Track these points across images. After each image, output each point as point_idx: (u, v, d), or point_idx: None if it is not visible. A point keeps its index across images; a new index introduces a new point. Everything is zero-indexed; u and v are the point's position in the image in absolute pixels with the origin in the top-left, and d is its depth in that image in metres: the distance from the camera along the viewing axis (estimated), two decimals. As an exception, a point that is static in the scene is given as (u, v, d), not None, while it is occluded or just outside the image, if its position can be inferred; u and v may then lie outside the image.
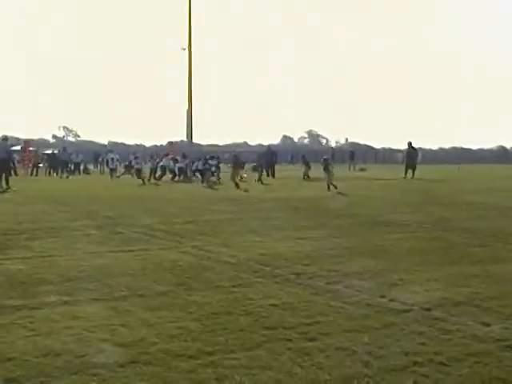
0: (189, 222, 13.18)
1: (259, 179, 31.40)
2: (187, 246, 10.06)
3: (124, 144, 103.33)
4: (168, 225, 12.72)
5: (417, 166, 36.01)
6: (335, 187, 23.49)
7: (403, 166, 36.27)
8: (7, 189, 23.95)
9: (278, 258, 8.87)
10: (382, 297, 6.59)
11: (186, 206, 17.46)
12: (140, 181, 30.36)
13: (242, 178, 30.74)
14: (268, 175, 36.48)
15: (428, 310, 6.08)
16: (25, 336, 5.19)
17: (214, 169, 33.82)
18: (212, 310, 6.04)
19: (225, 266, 8.37)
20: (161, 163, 35.53)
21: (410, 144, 36.79)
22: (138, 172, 32.21)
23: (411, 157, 36.17)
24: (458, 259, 9.00)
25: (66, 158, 43.02)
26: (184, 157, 36.12)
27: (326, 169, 25.25)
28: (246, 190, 24.11)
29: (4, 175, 24.86)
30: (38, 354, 4.75)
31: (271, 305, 6.24)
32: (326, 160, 26.33)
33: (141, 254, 9.23)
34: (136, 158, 34.31)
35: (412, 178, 33.94)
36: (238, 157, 32.30)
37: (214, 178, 32.69)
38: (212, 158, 35.05)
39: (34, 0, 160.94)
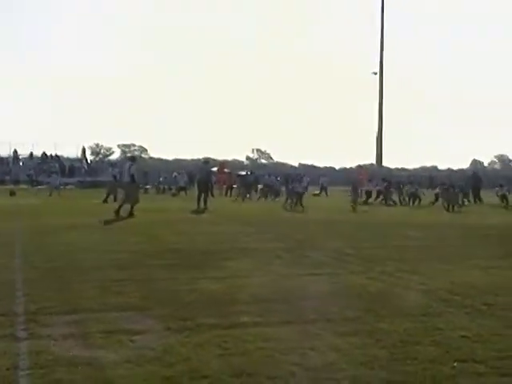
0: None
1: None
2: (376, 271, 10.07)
3: (314, 166, 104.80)
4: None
5: None
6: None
7: None
8: (205, 209, 25.09)
9: (469, 288, 8.65)
10: None
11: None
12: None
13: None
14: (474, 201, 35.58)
15: None
16: (219, 355, 5.41)
17: None
18: (400, 338, 6.00)
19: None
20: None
21: None
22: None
23: None
24: None
25: (257, 180, 44.32)
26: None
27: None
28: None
29: (203, 196, 26.16)
30: (232, 373, 4.93)
31: (461, 336, 6.10)
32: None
33: (330, 278, 9.37)
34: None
35: None
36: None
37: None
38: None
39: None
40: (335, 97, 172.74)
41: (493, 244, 14.28)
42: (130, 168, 21.72)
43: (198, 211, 24.66)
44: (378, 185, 35.79)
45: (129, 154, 22.21)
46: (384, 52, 48.87)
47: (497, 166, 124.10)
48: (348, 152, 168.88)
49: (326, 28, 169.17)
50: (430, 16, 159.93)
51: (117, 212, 20.62)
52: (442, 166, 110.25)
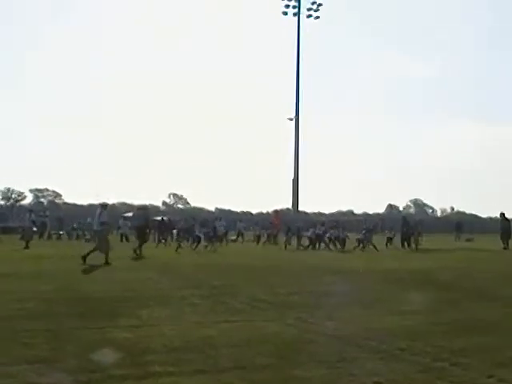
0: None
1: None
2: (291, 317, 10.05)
3: (231, 211, 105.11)
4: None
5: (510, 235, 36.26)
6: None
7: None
8: (139, 255, 24.94)
9: (384, 333, 8.71)
10: (490, 377, 6.34)
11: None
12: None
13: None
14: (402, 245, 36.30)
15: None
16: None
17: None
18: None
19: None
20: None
21: (502, 214, 37.47)
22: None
23: (504, 227, 36.64)
24: None
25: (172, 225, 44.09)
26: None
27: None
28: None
29: (139, 242, 26.02)
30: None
31: (375, 382, 6.11)
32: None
33: (244, 325, 9.29)
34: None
35: (504, 247, 34.83)
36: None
37: None
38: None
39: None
40: (252, 142, 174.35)
41: (408, 289, 14.51)
42: (100, 214, 21.70)
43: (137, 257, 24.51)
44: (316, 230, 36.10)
45: (102, 201, 22.36)
46: (300, 98, 49.70)
47: (412, 210, 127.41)
48: (265, 197, 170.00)
49: (244, 73, 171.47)
50: (345, 61, 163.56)
51: (84, 258, 20.54)
52: (357, 211, 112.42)
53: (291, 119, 48.53)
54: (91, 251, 21.16)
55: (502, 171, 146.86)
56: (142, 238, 26.65)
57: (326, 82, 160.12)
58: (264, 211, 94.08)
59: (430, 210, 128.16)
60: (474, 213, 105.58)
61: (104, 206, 22.81)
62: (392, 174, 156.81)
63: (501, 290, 14.26)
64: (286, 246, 35.79)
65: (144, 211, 29.91)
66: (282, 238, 40.02)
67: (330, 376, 6.31)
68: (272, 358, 7.14)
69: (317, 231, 35.71)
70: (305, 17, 52.65)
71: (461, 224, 56.69)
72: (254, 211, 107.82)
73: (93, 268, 19.19)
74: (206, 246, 30.66)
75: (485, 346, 7.85)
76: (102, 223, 21.65)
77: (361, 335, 8.49)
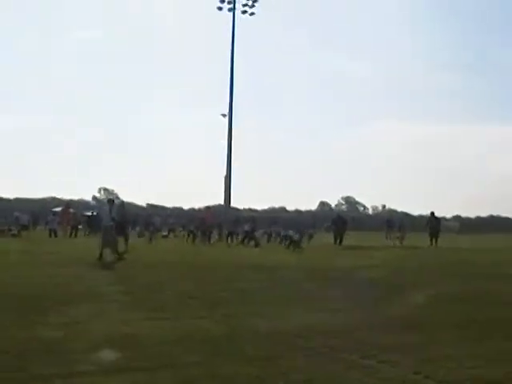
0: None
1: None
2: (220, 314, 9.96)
3: (163, 207, 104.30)
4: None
5: (439, 234, 38.06)
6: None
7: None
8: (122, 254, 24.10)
9: (312, 330, 8.71)
10: (417, 373, 6.39)
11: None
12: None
13: None
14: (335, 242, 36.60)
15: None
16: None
17: None
18: (242, 382, 5.91)
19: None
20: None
21: (432, 213, 39.22)
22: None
23: (433, 226, 38.15)
24: (496, 334, 8.74)
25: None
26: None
27: None
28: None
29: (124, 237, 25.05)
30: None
31: (305, 380, 6.09)
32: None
33: (173, 323, 9.16)
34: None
35: (431, 245, 36.23)
36: None
37: None
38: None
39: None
40: (186, 137, 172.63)
41: (337, 286, 14.60)
42: (111, 210, 21.59)
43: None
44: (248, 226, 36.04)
45: (109, 197, 22.16)
46: (234, 95, 49.59)
47: (344, 208, 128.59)
48: (197, 193, 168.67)
49: (177, 69, 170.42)
50: (280, 59, 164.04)
51: (99, 258, 20.03)
52: (290, 207, 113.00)
53: (224, 115, 48.25)
54: (101, 249, 20.72)
55: (431, 169, 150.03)
56: (125, 235, 25.67)
57: (260, 80, 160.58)
58: (196, 207, 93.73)
59: (362, 208, 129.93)
60: (405, 211, 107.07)
61: (111, 201, 22.82)
62: (325, 171, 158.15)
63: (423, 285, 14.52)
64: (207, 242, 35.60)
65: (118, 206, 28.58)
66: (214, 235, 39.90)
67: (258, 373, 6.24)
68: (201, 355, 7.04)
69: (246, 228, 35.77)
70: (240, 13, 52.35)
71: (392, 221, 57.38)
72: (185, 207, 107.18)
73: (18, 264, 18.74)
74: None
75: (411, 343, 7.92)
76: (113, 219, 21.46)
77: (290, 332, 8.48)
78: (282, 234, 35.60)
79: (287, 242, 32.28)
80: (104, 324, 8.91)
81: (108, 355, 6.94)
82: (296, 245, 30.58)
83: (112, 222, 21.40)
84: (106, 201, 22.99)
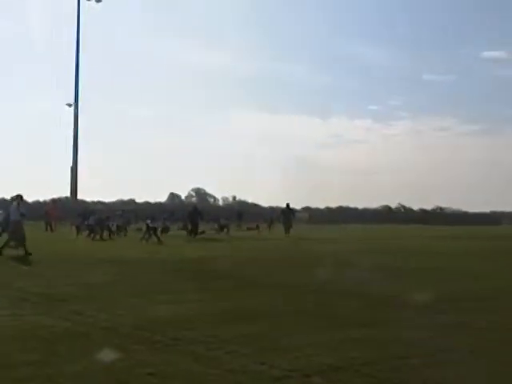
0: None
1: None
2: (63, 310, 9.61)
3: (4, 199, 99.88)
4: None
5: (292, 224, 39.78)
6: None
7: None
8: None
9: (159, 323, 8.59)
10: (263, 364, 6.40)
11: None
12: None
13: None
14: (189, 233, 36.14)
15: (308, 376, 5.98)
16: None
17: None
18: (83, 381, 5.72)
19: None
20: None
21: (287, 205, 40.84)
22: None
23: (286, 216, 40.03)
24: (340, 322, 8.99)
25: None
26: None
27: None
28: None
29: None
30: None
31: (148, 374, 5.95)
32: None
33: (11, 320, 8.73)
34: None
35: (286, 235, 37.38)
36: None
37: None
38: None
39: None
40: (30, 127, 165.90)
41: (186, 278, 14.52)
42: (19, 206, 21.30)
43: None
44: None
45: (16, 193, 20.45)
46: (80, 84, 48.35)
47: (194, 200, 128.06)
48: (42, 185, 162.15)
49: (23, 56, 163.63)
50: (126, 47, 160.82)
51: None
52: (139, 199, 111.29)
53: (70, 105, 46.98)
54: (6, 243, 20.99)
55: (283, 160, 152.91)
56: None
57: (107, 69, 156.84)
58: (41, 199, 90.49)
59: (212, 199, 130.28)
60: (256, 202, 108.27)
61: (21, 197, 22.35)
62: (174, 162, 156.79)
63: (268, 278, 14.82)
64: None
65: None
66: (62, 227, 38.72)
67: (99, 371, 6.05)
68: (39, 353, 6.72)
69: (89, 222, 34.37)
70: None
71: (241, 213, 57.96)
72: (30, 200, 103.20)
73: None
74: None
75: (255, 334, 7.99)
76: (22, 214, 21.29)
77: (135, 326, 8.34)
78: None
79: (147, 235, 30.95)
80: None
81: None
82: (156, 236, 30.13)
83: (21, 217, 21.30)
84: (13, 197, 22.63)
